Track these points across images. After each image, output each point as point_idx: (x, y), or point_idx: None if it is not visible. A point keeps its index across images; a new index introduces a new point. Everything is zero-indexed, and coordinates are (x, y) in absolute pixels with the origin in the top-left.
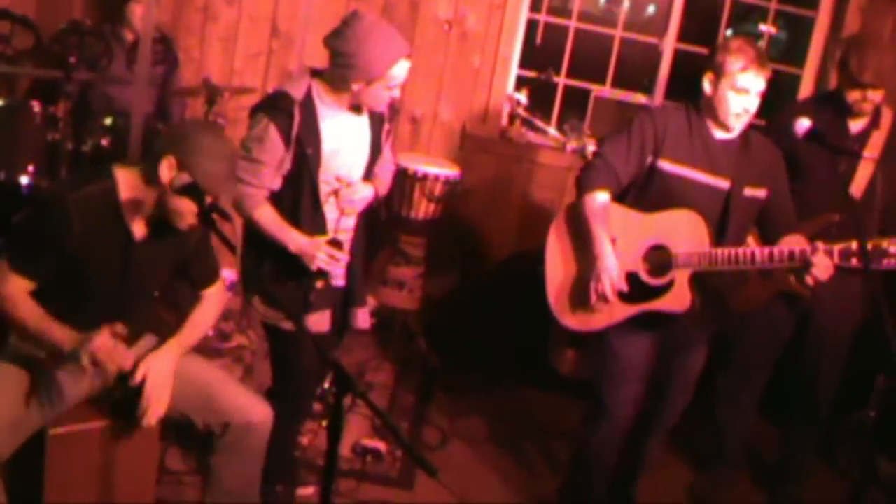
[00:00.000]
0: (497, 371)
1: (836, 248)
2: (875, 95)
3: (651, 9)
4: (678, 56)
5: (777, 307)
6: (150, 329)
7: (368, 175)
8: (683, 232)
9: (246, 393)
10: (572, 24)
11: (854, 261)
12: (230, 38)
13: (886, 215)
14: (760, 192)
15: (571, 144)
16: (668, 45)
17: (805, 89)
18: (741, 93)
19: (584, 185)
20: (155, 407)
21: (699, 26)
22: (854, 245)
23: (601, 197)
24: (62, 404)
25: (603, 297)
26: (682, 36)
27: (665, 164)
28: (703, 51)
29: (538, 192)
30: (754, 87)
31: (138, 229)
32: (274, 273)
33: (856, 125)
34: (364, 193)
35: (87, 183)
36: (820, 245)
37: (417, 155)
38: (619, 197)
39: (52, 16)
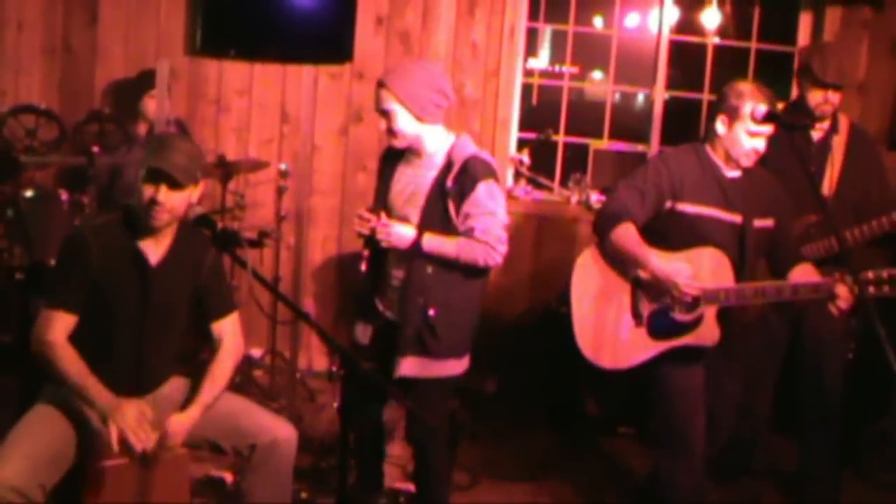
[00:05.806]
0: (524, 418)
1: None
2: (835, 97)
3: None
4: (669, 104)
5: (769, 313)
6: (177, 370)
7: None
8: (709, 269)
9: (269, 414)
10: (565, 83)
11: (872, 289)
12: (243, 127)
13: (856, 210)
14: (769, 223)
15: (575, 197)
16: (658, 94)
17: None
18: (754, 136)
19: (606, 224)
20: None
21: (685, 73)
22: (870, 274)
23: (631, 227)
24: (98, 440)
25: (694, 303)
26: (671, 84)
27: (686, 207)
28: (692, 95)
29: (548, 244)
30: (765, 131)
31: (154, 254)
32: None
33: (817, 133)
34: (398, 231)
35: (100, 217)
36: (837, 275)
37: None
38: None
39: (74, 107)
